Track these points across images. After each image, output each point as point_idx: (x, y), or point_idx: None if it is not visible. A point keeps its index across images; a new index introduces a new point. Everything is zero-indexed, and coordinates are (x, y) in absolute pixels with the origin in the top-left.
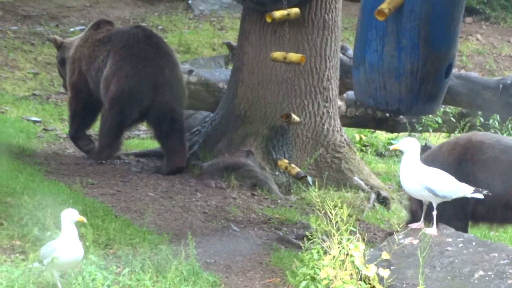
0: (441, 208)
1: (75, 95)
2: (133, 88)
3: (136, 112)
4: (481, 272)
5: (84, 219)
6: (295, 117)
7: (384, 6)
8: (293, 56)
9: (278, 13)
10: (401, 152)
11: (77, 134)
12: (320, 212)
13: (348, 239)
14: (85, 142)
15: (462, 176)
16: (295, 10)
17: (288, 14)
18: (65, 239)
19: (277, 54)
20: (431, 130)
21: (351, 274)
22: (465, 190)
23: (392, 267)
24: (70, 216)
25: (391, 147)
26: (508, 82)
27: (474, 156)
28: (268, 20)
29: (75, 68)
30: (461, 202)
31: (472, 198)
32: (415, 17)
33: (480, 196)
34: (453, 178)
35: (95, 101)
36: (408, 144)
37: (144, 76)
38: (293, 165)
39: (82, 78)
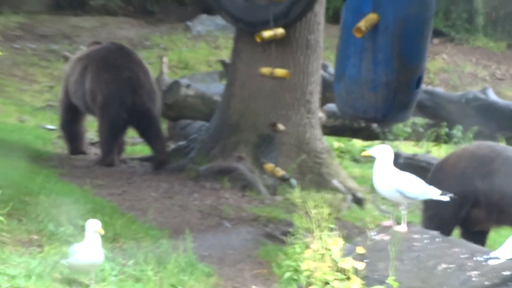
0: (435, 212)
1: (61, 110)
2: (116, 92)
3: (123, 113)
4: (444, 265)
5: (102, 232)
6: (280, 126)
7: (361, 24)
8: (279, 72)
9: (266, 33)
10: (374, 158)
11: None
12: (303, 211)
13: (327, 235)
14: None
15: (463, 187)
16: (281, 30)
17: (275, 34)
18: (87, 244)
19: (265, 70)
20: (401, 139)
21: (329, 266)
22: (432, 193)
23: (366, 260)
24: (94, 225)
25: (363, 154)
26: (470, 96)
27: (476, 170)
28: (258, 39)
29: (64, 84)
30: (454, 208)
31: (468, 204)
32: (389, 34)
33: (446, 198)
34: (422, 181)
35: (79, 113)
36: (381, 151)
37: (123, 81)
38: (278, 169)
39: (67, 94)
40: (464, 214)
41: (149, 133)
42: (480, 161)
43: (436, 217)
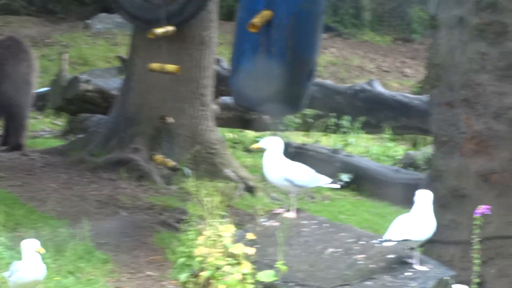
0: None
1: None
2: None
3: None
4: (331, 249)
5: (43, 251)
6: (169, 119)
7: (256, 20)
8: (170, 67)
9: (158, 30)
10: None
11: None
12: (196, 199)
13: (219, 222)
14: None
15: None
16: (172, 28)
17: (167, 31)
18: (27, 262)
19: (155, 65)
20: (291, 129)
21: (221, 252)
22: (322, 181)
23: (256, 246)
24: (32, 245)
25: (253, 146)
26: (357, 88)
27: None
28: (151, 36)
29: None
30: None
31: None
32: (282, 29)
33: (336, 186)
34: (311, 170)
35: None
36: (269, 142)
37: None
38: (168, 159)
39: None
40: None
41: (11, 123)
42: None
43: None
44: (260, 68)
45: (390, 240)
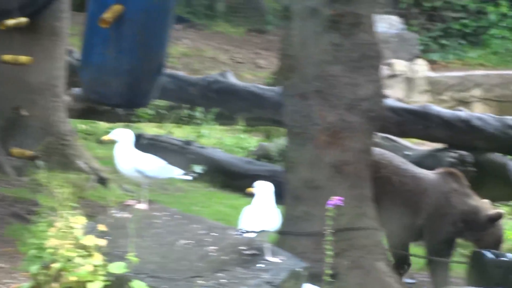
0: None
1: None
2: None
3: None
4: (183, 241)
5: None
6: (23, 111)
7: (106, 15)
8: (23, 58)
9: (10, 21)
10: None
11: None
12: (48, 191)
13: (71, 213)
14: None
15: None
16: (24, 19)
17: (19, 23)
18: None
19: (7, 57)
20: (144, 121)
21: (72, 244)
22: (174, 172)
23: (108, 237)
24: None
25: (103, 138)
26: (210, 79)
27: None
28: (1, 27)
29: None
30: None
31: None
32: (133, 24)
33: (189, 177)
34: (164, 162)
35: None
36: (120, 134)
37: None
38: (26, 150)
39: None
40: None
41: None
42: (376, 166)
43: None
44: (109, 62)
45: (250, 231)
